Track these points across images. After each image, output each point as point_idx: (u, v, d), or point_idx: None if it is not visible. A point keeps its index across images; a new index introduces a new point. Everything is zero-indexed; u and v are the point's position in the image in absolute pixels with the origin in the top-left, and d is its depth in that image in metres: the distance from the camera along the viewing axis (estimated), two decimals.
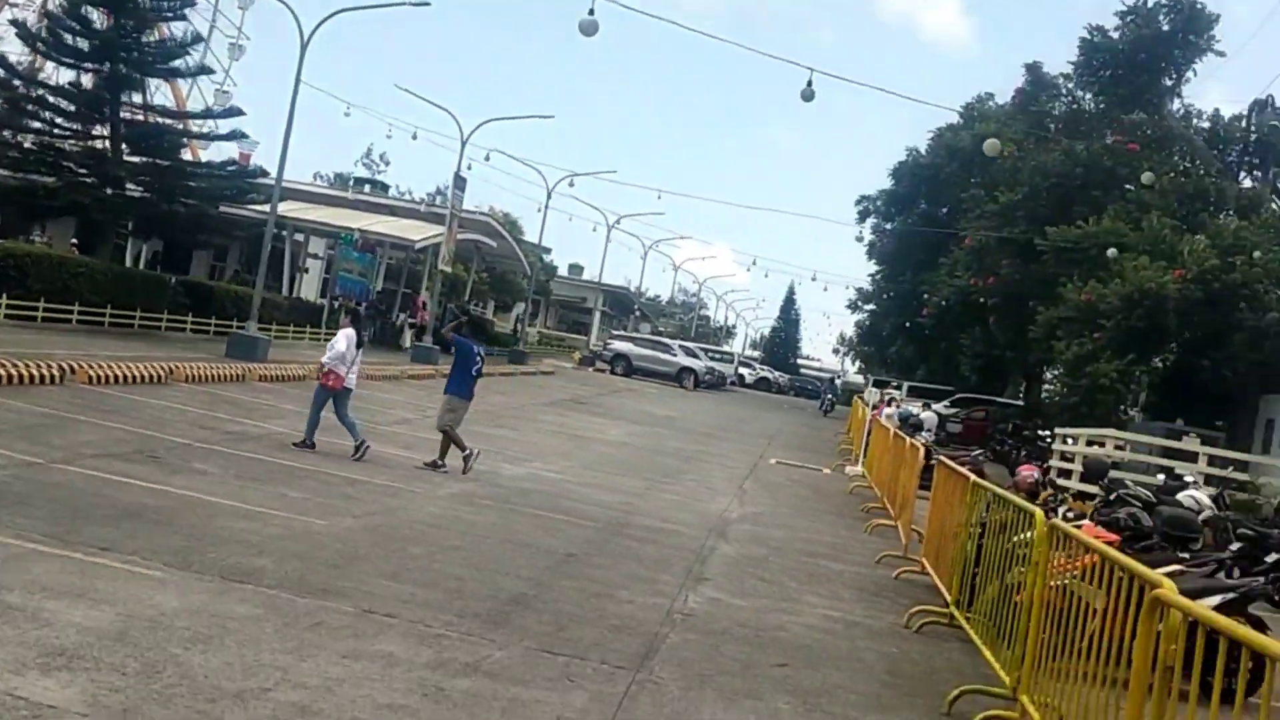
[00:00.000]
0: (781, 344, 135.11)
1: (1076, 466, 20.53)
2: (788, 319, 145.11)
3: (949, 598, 8.80)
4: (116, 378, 15.45)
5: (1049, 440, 25.56)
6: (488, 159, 53.95)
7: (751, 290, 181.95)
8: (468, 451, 13.15)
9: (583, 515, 11.59)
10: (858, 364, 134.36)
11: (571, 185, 43.85)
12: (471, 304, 45.15)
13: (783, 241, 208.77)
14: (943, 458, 11.57)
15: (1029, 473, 11.48)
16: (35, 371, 13.90)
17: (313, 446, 12.69)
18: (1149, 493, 15.74)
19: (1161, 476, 17.55)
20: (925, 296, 37.70)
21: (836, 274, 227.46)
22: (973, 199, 33.67)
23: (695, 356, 50.75)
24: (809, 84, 21.03)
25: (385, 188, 56.83)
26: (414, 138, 61.73)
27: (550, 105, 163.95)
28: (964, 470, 9.54)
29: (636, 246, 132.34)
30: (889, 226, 52.80)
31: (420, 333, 34.18)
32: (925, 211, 44.34)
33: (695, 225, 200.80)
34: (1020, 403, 37.38)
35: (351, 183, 54.45)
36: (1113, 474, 17.07)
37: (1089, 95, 32.88)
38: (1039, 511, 6.77)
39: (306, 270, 35.65)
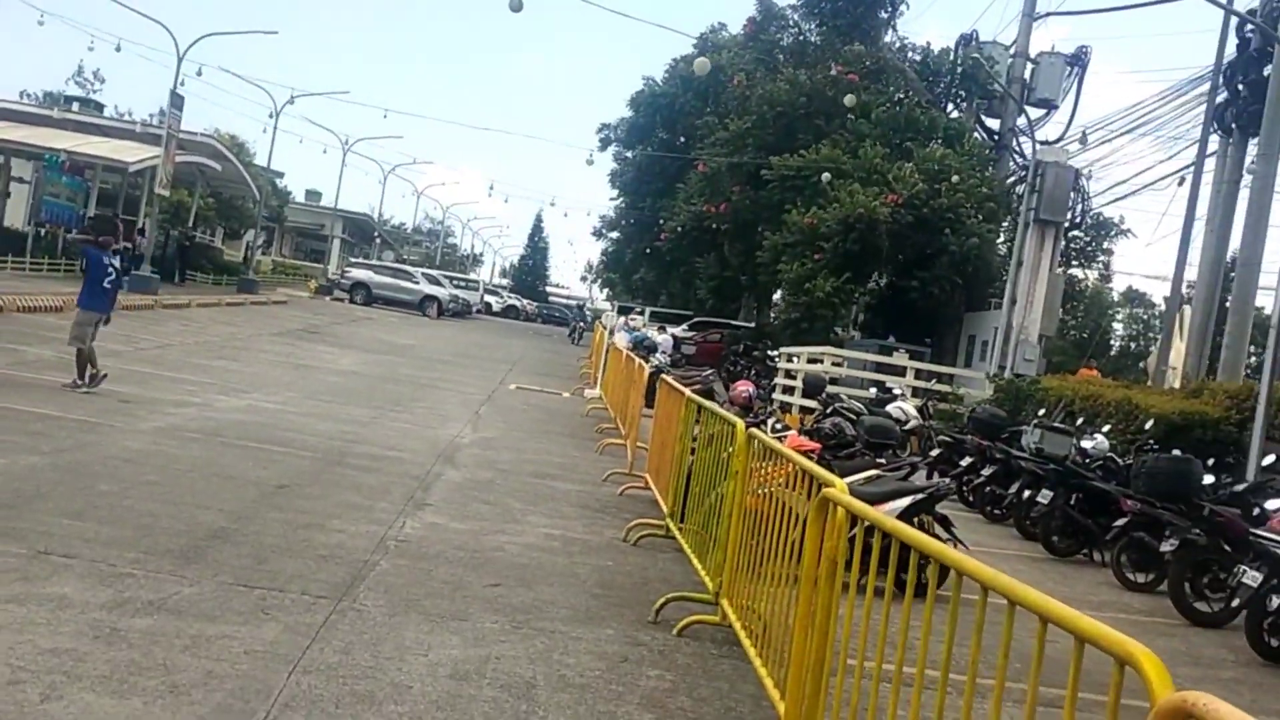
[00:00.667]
0: (530, 272, 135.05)
1: (799, 383, 21.58)
2: (535, 246, 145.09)
3: (665, 510, 9.03)
4: None
5: (776, 359, 26.74)
6: (199, 74, 50.66)
7: (499, 218, 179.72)
8: (96, 371, 12.54)
9: (301, 446, 11.15)
10: (605, 291, 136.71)
11: (292, 103, 41.67)
12: (197, 230, 42.49)
13: (528, 168, 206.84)
14: (666, 377, 11.82)
15: (744, 388, 11.94)
16: None
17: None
18: (861, 405, 16.77)
19: (873, 390, 18.68)
20: (663, 223, 38.38)
21: (581, 201, 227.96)
22: (706, 126, 34.38)
23: (439, 284, 49.93)
24: None
25: (100, 107, 52.38)
26: (118, 49, 56.56)
27: (274, 21, 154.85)
28: (680, 387, 9.77)
29: (376, 172, 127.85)
30: (629, 154, 53.42)
31: (138, 260, 31.82)
32: (664, 140, 44.94)
33: (439, 151, 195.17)
34: (752, 325, 38.87)
35: (60, 102, 49.86)
36: (829, 389, 18.10)
37: (813, 26, 34.05)
38: (739, 422, 6.98)
39: (8, 195, 32.39)
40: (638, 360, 15.62)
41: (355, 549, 7.33)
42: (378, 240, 78.12)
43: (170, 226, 40.50)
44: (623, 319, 34.35)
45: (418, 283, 47.94)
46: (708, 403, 8.50)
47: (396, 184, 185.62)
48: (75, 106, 45.20)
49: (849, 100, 26.16)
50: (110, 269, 13.17)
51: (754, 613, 5.99)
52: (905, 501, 8.37)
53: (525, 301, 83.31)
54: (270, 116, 41.12)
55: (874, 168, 24.89)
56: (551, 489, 11.04)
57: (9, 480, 7.67)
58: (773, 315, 36.93)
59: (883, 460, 9.91)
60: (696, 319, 40.64)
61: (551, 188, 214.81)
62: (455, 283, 54.69)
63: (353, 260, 57.48)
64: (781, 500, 6.09)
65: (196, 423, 11.51)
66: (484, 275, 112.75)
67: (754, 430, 6.78)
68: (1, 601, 5.23)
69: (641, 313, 59.55)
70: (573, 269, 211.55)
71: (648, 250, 46.40)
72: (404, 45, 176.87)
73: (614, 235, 70.13)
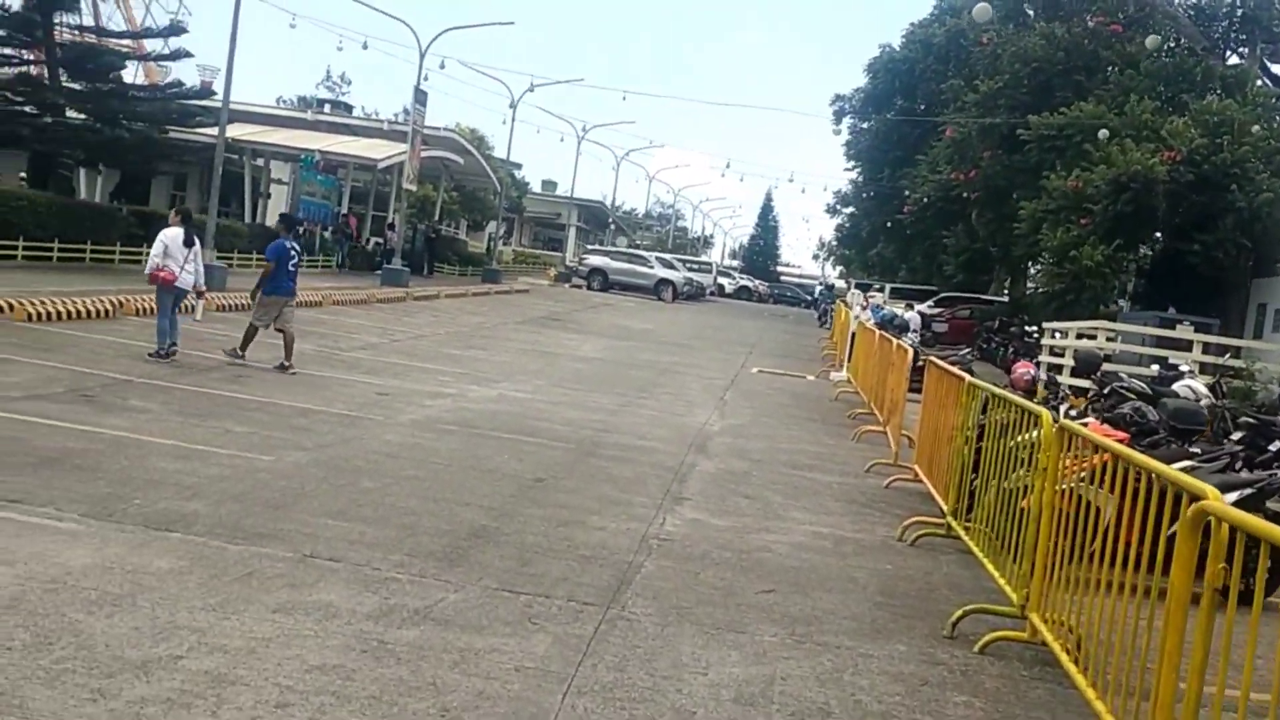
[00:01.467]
0: (760, 252, 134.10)
1: (1067, 361, 20.00)
2: (766, 226, 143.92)
3: (945, 507, 8.22)
4: (59, 314, 14.63)
5: (1036, 336, 25.01)
6: (443, 66, 52.19)
7: (728, 198, 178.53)
8: (289, 363, 13.06)
9: (552, 436, 10.95)
10: (838, 268, 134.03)
11: (531, 90, 42.53)
12: (442, 224, 44.03)
13: (758, 145, 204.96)
14: (932, 358, 10.94)
15: (1025, 370, 10.89)
16: None
17: (167, 355, 12.42)
18: (1144, 385, 15.21)
19: (1155, 367, 17.01)
20: (906, 194, 36.84)
21: (814, 177, 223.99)
22: (952, 90, 32.62)
23: (672, 268, 49.95)
24: None
25: (349, 108, 55.10)
26: (364, 47, 59.30)
27: (508, 11, 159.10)
28: (957, 370, 8.91)
29: (608, 158, 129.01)
30: (865, 125, 51.71)
31: (389, 255, 33.19)
32: (902, 108, 43.16)
33: (668, 132, 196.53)
34: (1004, 299, 36.80)
35: (313, 105, 52.73)
36: (1105, 367, 16.56)
37: None
38: (1045, 412, 6.13)
39: (269, 196, 34.45)
40: (894, 341, 14.72)
41: (618, 548, 6.93)
42: (611, 226, 79.13)
43: (416, 220, 42.14)
44: (866, 297, 33.03)
45: (652, 267, 48.07)
46: (998, 389, 7.63)
47: (628, 169, 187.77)
48: (327, 108, 47.63)
49: (1151, 41, 23.82)
50: (293, 252, 13.75)
51: (1069, 628, 5.19)
52: (1233, 496, 7.25)
53: (757, 282, 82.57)
54: (510, 107, 41.80)
55: (1144, 124, 22.79)
56: (812, 481, 10.39)
57: (276, 478, 7.69)
58: (1030, 288, 34.76)
59: (1196, 450, 8.71)
60: (942, 294, 38.84)
61: (784, 164, 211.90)
62: (688, 265, 54.58)
63: (589, 247, 58.30)
64: (1085, 498, 5.26)
65: (451, 414, 11.50)
66: (714, 257, 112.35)
67: (1065, 421, 5.91)
68: (269, 611, 5.07)
69: (881, 289, 57.85)
70: (805, 247, 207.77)
71: (889, 224, 44.82)
72: (632, 26, 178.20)
73: (849, 210, 68.32)
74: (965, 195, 30.67)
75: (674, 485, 9.31)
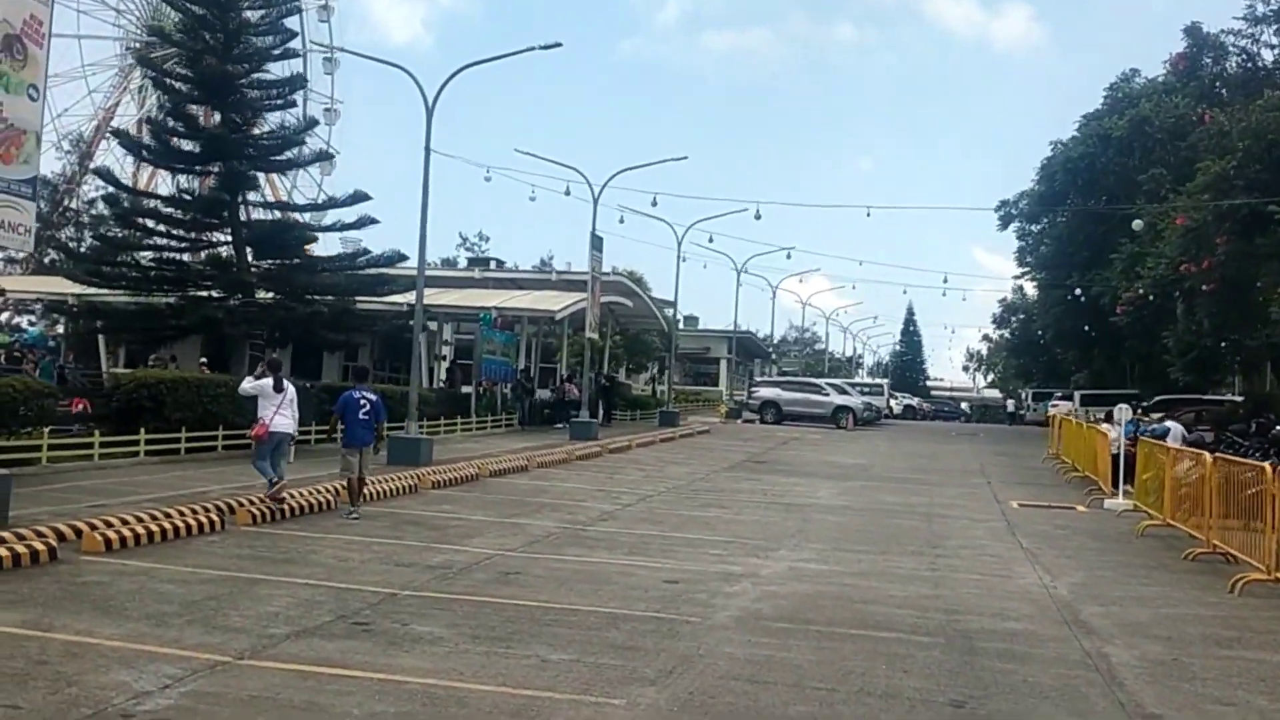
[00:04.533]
0: (906, 366, 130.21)
1: None
2: (910, 340, 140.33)
3: None
4: (278, 513, 13.22)
5: None
6: (621, 221, 48.04)
7: (865, 308, 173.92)
8: (354, 511, 13.77)
9: (902, 626, 8.83)
10: (989, 378, 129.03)
11: (654, 204, 40.74)
12: (611, 368, 42.84)
13: (896, 253, 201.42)
14: None
15: None
16: (192, 521, 11.73)
17: (273, 483, 13.28)
18: None
19: None
20: (1114, 293, 34.13)
21: (956, 285, 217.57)
22: (1153, 180, 30.13)
23: (845, 393, 47.61)
24: None
25: (500, 263, 55.18)
26: (532, 199, 59.30)
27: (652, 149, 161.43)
28: None
29: (747, 286, 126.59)
30: (1036, 228, 49.33)
31: (575, 406, 31.82)
32: (1079, 207, 40.68)
33: (817, 258, 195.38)
34: (1233, 399, 33.36)
35: (461, 263, 52.72)
36: None
37: (1268, 37, 29.29)
38: None
39: (443, 358, 33.72)
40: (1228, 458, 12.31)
41: None
42: (773, 356, 77.06)
43: (579, 369, 41.06)
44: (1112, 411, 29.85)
45: (827, 394, 45.80)
46: None
47: (754, 294, 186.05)
48: (493, 264, 47.26)
49: None
50: (364, 402, 14.00)
51: None
52: None
53: (918, 400, 79.37)
54: (677, 245, 40.46)
55: None
56: (1263, 664, 8.00)
57: None
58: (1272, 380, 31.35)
59: None
60: (1158, 398, 35.51)
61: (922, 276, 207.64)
62: (860, 389, 52.09)
63: (758, 379, 56.47)
64: None
65: (768, 605, 9.49)
66: (863, 376, 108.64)
67: None
68: None
69: (1067, 396, 54.41)
70: (946, 359, 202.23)
71: (1086, 328, 41.78)
72: (758, 156, 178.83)
73: (1018, 317, 65.47)
74: (1190, 288, 27.79)
75: (1114, 691, 7.12)
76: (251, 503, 13.21)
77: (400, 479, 16.67)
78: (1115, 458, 19.90)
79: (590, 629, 8.27)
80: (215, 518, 12.10)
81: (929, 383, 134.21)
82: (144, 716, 5.84)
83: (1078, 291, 40.42)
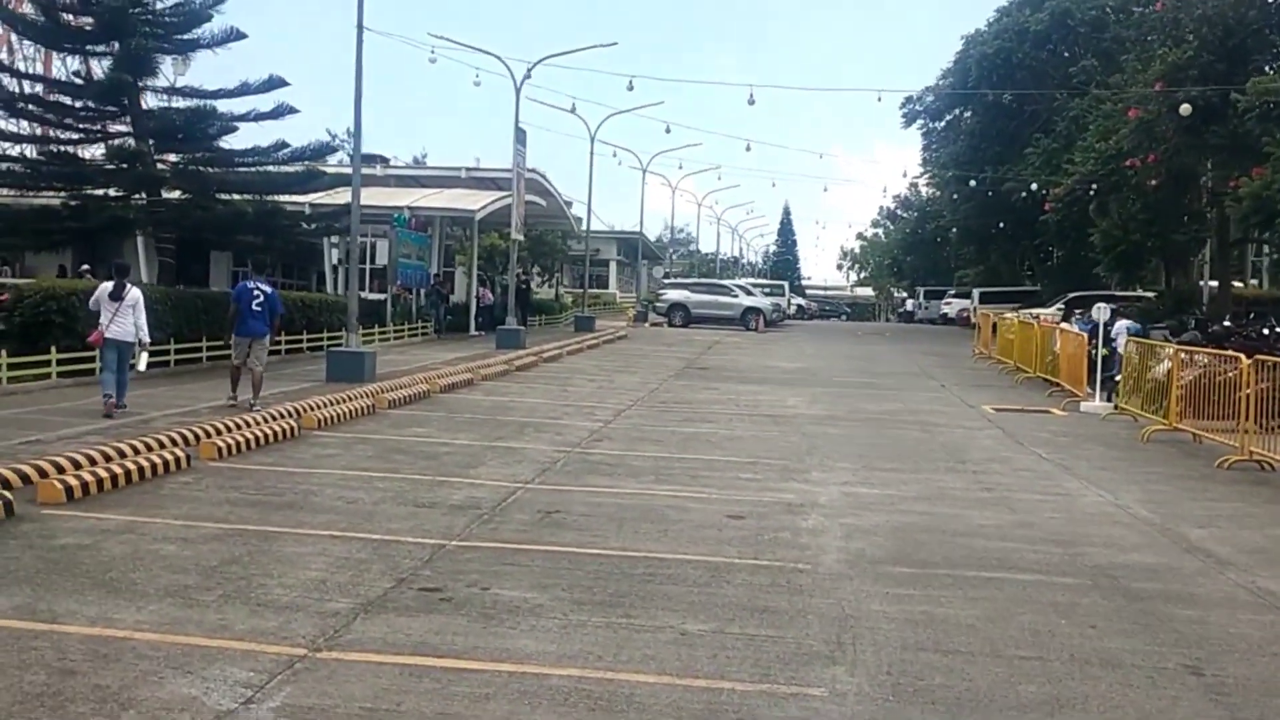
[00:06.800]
0: (784, 266, 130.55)
1: None
2: (787, 240, 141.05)
3: None
4: (243, 443, 11.49)
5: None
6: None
7: (743, 204, 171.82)
8: (233, 396, 14.36)
9: (1026, 565, 7.88)
10: (860, 276, 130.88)
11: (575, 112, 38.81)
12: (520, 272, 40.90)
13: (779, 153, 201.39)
14: None
15: None
16: (156, 459, 9.96)
17: (106, 399, 13.25)
18: None
19: None
20: (1034, 191, 33.82)
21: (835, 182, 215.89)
22: (1084, 72, 29.53)
23: (752, 294, 46.85)
24: None
25: (384, 160, 51.92)
26: (476, 83, 56.00)
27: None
28: None
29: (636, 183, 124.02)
30: (939, 125, 48.98)
31: (487, 313, 30.10)
32: (994, 102, 40.05)
33: (711, 151, 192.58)
34: (1148, 294, 33.61)
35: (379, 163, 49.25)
36: None
37: None
38: None
39: (345, 264, 31.30)
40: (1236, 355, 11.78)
41: None
42: (669, 256, 75.70)
43: (484, 272, 39.10)
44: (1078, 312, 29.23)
45: (736, 296, 44.95)
46: None
47: (627, 184, 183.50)
48: (378, 166, 44.32)
49: None
50: (258, 293, 14.38)
51: None
52: None
53: (805, 301, 79.37)
54: (590, 142, 38.48)
55: None
56: None
57: None
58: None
59: None
60: (1071, 295, 35.58)
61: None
62: (761, 290, 51.33)
63: (664, 280, 55.19)
64: None
65: (860, 542, 8.40)
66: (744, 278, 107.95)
67: None
68: None
69: (963, 294, 54.79)
70: (815, 259, 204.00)
71: (1001, 225, 41.66)
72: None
73: (909, 215, 65.68)
74: (1136, 183, 27.35)
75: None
76: (209, 432, 11.47)
77: (355, 398, 14.96)
78: (1091, 359, 19.43)
79: (700, 585, 7.01)
80: (180, 453, 10.34)
81: (803, 282, 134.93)
82: None
83: (989, 189, 40.14)
